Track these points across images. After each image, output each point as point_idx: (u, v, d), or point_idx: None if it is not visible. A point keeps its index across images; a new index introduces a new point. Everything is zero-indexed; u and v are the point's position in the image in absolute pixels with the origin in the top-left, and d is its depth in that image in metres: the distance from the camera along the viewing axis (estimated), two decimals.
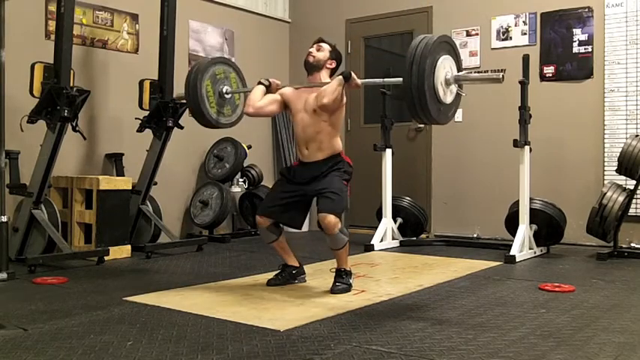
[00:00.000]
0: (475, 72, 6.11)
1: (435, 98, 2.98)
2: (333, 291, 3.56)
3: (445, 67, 3.06)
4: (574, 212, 5.30)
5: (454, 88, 3.13)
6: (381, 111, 5.68)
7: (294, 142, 6.54)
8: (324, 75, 3.71)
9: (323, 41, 3.78)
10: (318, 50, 3.73)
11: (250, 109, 3.74)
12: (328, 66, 3.72)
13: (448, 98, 3.10)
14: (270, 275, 3.87)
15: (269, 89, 3.79)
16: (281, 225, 3.80)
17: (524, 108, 4.82)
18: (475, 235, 6.09)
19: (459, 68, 3.19)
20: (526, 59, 4.95)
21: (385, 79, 3.65)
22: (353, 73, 3.53)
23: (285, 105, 3.79)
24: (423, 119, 3.09)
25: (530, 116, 4.86)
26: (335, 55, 3.76)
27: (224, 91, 4.08)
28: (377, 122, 5.84)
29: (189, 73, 4.00)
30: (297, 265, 3.87)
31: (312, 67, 3.71)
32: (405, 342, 2.58)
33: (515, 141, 4.76)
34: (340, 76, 3.53)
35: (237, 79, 4.21)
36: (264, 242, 3.85)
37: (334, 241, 3.55)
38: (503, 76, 3.13)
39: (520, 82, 4.85)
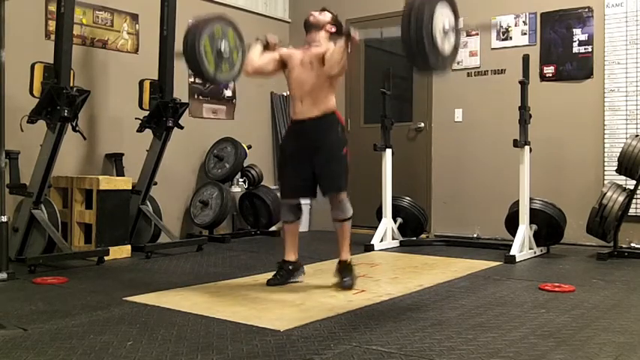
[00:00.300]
0: (475, 72, 6.13)
1: (433, 47, 3.02)
2: (343, 286, 3.62)
3: (443, 16, 3.11)
4: (574, 212, 5.29)
5: (452, 37, 3.19)
6: (381, 111, 5.67)
7: None
8: (322, 36, 3.74)
9: (326, 10, 3.83)
10: (320, 13, 3.78)
11: (249, 68, 3.76)
12: (328, 29, 3.76)
13: (446, 48, 3.14)
14: (270, 275, 3.87)
15: (267, 47, 3.79)
16: (301, 209, 3.88)
17: (524, 108, 4.82)
18: (475, 235, 6.08)
19: (457, 18, 3.25)
20: (526, 59, 4.95)
21: (383, 32, 3.70)
22: (352, 29, 3.46)
23: (283, 64, 3.81)
24: (421, 68, 3.21)
25: (530, 116, 4.86)
26: (336, 22, 3.79)
27: (222, 48, 4.01)
28: (377, 122, 5.83)
29: (188, 32, 3.79)
30: (294, 260, 3.88)
31: (312, 26, 3.75)
32: (405, 342, 2.58)
33: (515, 141, 4.76)
34: (342, 42, 3.48)
35: (235, 36, 4.13)
36: (281, 220, 3.98)
37: (341, 211, 3.69)
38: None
39: (520, 82, 4.85)
